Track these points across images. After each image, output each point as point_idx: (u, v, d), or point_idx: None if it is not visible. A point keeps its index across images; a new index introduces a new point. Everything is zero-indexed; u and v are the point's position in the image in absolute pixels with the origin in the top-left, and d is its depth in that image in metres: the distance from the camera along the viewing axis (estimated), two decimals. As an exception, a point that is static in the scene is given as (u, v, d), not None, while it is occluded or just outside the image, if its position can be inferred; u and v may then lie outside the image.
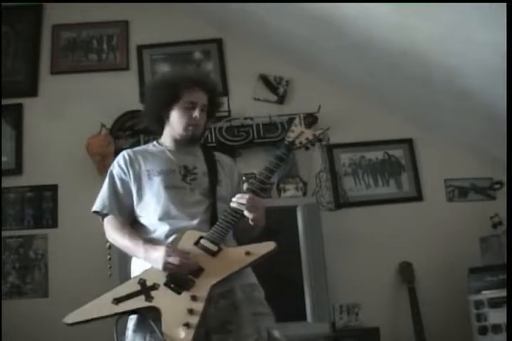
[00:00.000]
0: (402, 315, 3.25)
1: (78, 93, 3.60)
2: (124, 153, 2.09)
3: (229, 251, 1.86)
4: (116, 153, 3.32)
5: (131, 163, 2.04)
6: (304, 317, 2.90)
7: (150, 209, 1.97)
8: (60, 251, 3.34)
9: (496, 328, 2.88)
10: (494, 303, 2.92)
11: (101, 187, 2.07)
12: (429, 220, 3.45)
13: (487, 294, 2.97)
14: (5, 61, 3.65)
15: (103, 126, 3.45)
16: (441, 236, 3.41)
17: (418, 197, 3.54)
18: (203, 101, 2.05)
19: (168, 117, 2.05)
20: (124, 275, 2.78)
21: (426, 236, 3.41)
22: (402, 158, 3.61)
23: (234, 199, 1.88)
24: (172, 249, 1.82)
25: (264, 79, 3.67)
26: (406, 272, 3.31)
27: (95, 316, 1.79)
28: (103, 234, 3.23)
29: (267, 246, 1.84)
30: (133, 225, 2.00)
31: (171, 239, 1.89)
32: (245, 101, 3.60)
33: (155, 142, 2.14)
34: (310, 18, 3.08)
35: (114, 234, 1.96)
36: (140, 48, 3.74)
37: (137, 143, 3.35)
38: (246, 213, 1.85)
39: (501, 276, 2.96)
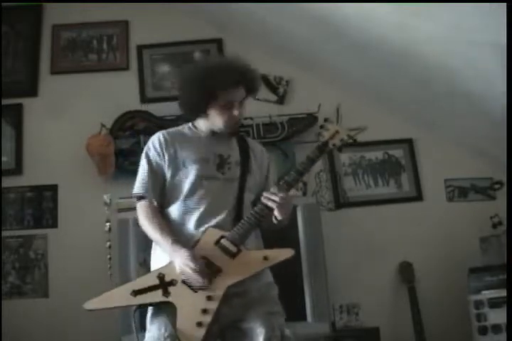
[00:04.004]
0: (402, 315, 3.25)
1: (78, 93, 3.60)
2: (160, 134, 2.03)
3: (247, 254, 1.86)
4: (116, 153, 3.38)
5: (167, 146, 1.99)
6: (304, 317, 2.90)
7: (181, 198, 1.94)
8: (60, 251, 3.34)
9: (496, 328, 2.88)
10: (494, 303, 2.92)
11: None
12: (429, 220, 3.45)
13: (487, 294, 2.97)
14: (5, 61, 3.65)
15: (103, 126, 3.45)
16: (441, 236, 3.41)
17: (418, 197, 3.54)
18: (241, 97, 1.99)
19: (205, 112, 1.98)
20: (124, 275, 2.80)
21: (426, 236, 3.41)
22: (402, 158, 3.60)
23: (265, 194, 1.86)
24: (194, 262, 1.79)
25: (264, 79, 3.66)
26: (406, 272, 3.31)
27: (113, 305, 1.83)
28: (103, 233, 3.25)
29: (286, 253, 1.86)
30: (162, 208, 1.98)
31: (198, 232, 1.89)
32: (245, 102, 3.59)
33: (190, 124, 2.08)
34: (310, 18, 3.08)
35: (146, 222, 1.93)
36: (140, 48, 3.74)
37: (137, 143, 3.36)
38: (275, 212, 1.86)
39: (501, 276, 2.95)
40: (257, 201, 1.99)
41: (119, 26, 3.77)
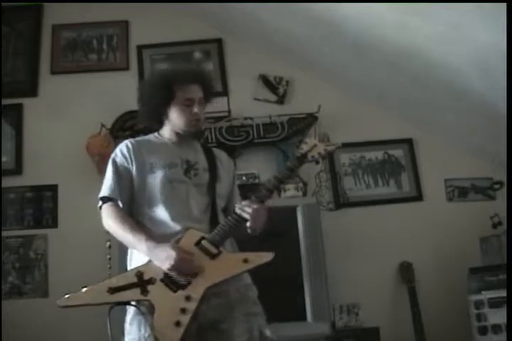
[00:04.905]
0: (402, 315, 3.25)
1: (78, 93, 3.60)
2: (127, 142, 2.07)
3: (227, 256, 1.88)
4: (116, 153, 3.38)
5: (135, 153, 2.02)
6: (304, 317, 2.90)
7: (151, 203, 1.96)
8: (60, 251, 3.35)
9: (496, 328, 2.88)
10: (494, 303, 2.92)
11: (101, 187, 2.06)
12: (429, 220, 3.45)
13: (487, 294, 2.97)
14: (5, 61, 3.65)
15: (103, 126, 3.45)
16: (441, 236, 3.41)
17: (418, 197, 3.54)
18: (199, 95, 2.04)
19: (166, 115, 2.05)
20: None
21: (426, 236, 3.41)
22: (402, 158, 3.60)
23: (239, 206, 1.90)
24: (181, 251, 1.81)
25: (264, 79, 3.67)
26: (406, 272, 3.31)
27: (89, 302, 1.81)
28: (103, 233, 3.23)
29: (265, 257, 1.86)
30: (131, 214, 1.99)
31: (174, 234, 1.88)
32: (245, 101, 3.60)
33: (156, 133, 2.13)
34: (310, 18, 3.08)
35: (114, 223, 1.94)
36: (140, 48, 3.74)
37: (137, 143, 3.36)
38: (248, 223, 1.88)
39: (501, 276, 2.96)
40: (226, 207, 2.07)
41: (119, 26, 3.78)
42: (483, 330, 2.93)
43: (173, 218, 1.92)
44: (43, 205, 3.45)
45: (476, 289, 3.04)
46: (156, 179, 1.97)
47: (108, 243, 3.17)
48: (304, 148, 1.99)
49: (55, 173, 3.47)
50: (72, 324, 3.09)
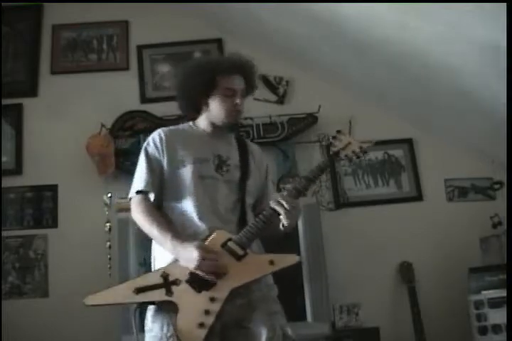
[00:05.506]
0: (402, 315, 3.25)
1: (78, 93, 3.60)
2: (161, 131, 2.01)
3: (254, 257, 1.85)
4: (116, 153, 3.38)
5: (167, 143, 1.97)
6: (304, 317, 2.90)
7: (179, 198, 1.92)
8: (60, 251, 3.34)
9: (496, 328, 2.88)
10: (494, 303, 2.92)
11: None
12: (429, 220, 3.44)
13: (487, 294, 2.97)
14: (5, 61, 3.65)
15: (103, 126, 3.45)
16: (441, 236, 3.41)
17: (418, 197, 3.54)
18: (242, 86, 2.00)
19: (206, 104, 1.99)
20: (124, 275, 2.80)
21: (426, 236, 3.41)
22: (402, 158, 3.60)
23: (277, 199, 1.83)
24: (205, 251, 1.78)
25: (264, 79, 3.67)
26: (406, 272, 3.31)
27: (114, 302, 1.82)
28: (103, 233, 3.25)
29: (291, 259, 1.85)
30: (160, 206, 1.95)
31: (201, 231, 1.86)
32: (245, 101, 3.58)
33: (191, 123, 2.07)
34: (310, 18, 3.08)
35: (142, 218, 1.90)
36: (140, 48, 3.74)
37: (137, 143, 3.35)
38: (282, 218, 1.83)
39: (501, 276, 2.95)
40: (256, 205, 2.02)
41: (119, 26, 3.78)
42: (483, 330, 2.93)
43: (200, 216, 1.88)
44: (43, 205, 3.45)
45: (476, 289, 3.03)
46: (186, 174, 1.92)
47: (108, 243, 3.18)
48: (338, 145, 1.90)
49: (55, 173, 3.47)
50: (72, 324, 3.09)
